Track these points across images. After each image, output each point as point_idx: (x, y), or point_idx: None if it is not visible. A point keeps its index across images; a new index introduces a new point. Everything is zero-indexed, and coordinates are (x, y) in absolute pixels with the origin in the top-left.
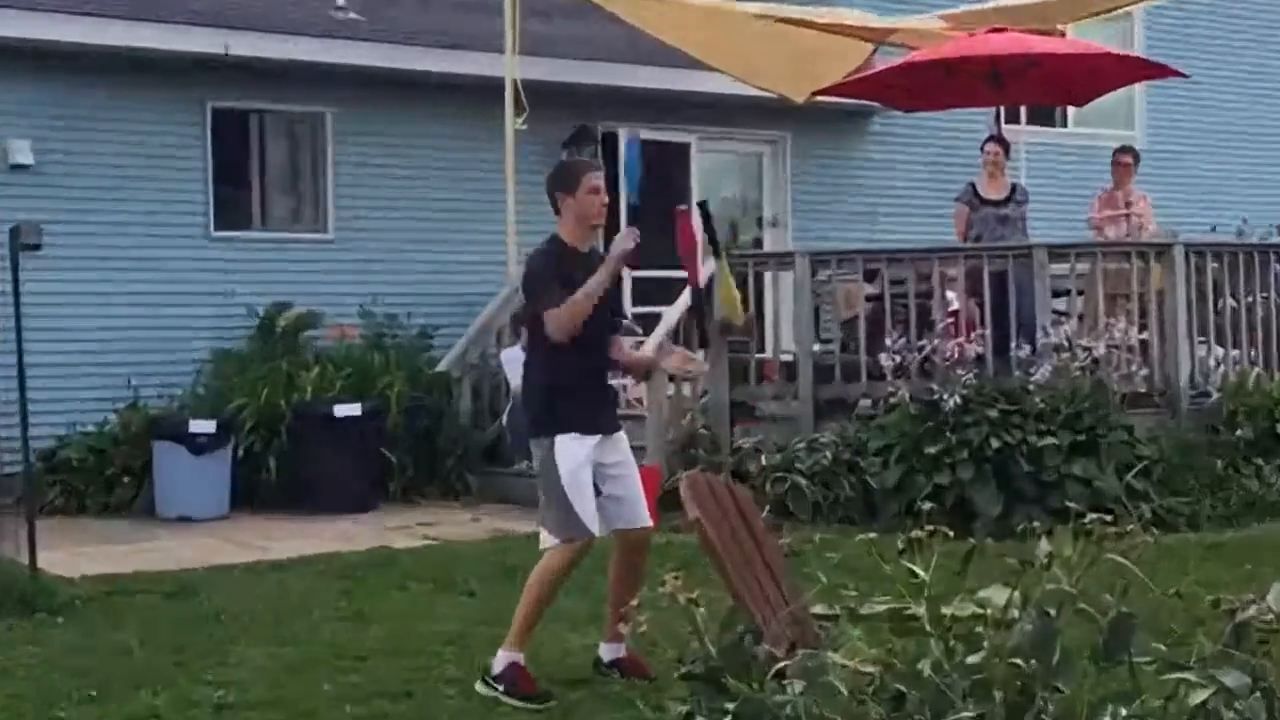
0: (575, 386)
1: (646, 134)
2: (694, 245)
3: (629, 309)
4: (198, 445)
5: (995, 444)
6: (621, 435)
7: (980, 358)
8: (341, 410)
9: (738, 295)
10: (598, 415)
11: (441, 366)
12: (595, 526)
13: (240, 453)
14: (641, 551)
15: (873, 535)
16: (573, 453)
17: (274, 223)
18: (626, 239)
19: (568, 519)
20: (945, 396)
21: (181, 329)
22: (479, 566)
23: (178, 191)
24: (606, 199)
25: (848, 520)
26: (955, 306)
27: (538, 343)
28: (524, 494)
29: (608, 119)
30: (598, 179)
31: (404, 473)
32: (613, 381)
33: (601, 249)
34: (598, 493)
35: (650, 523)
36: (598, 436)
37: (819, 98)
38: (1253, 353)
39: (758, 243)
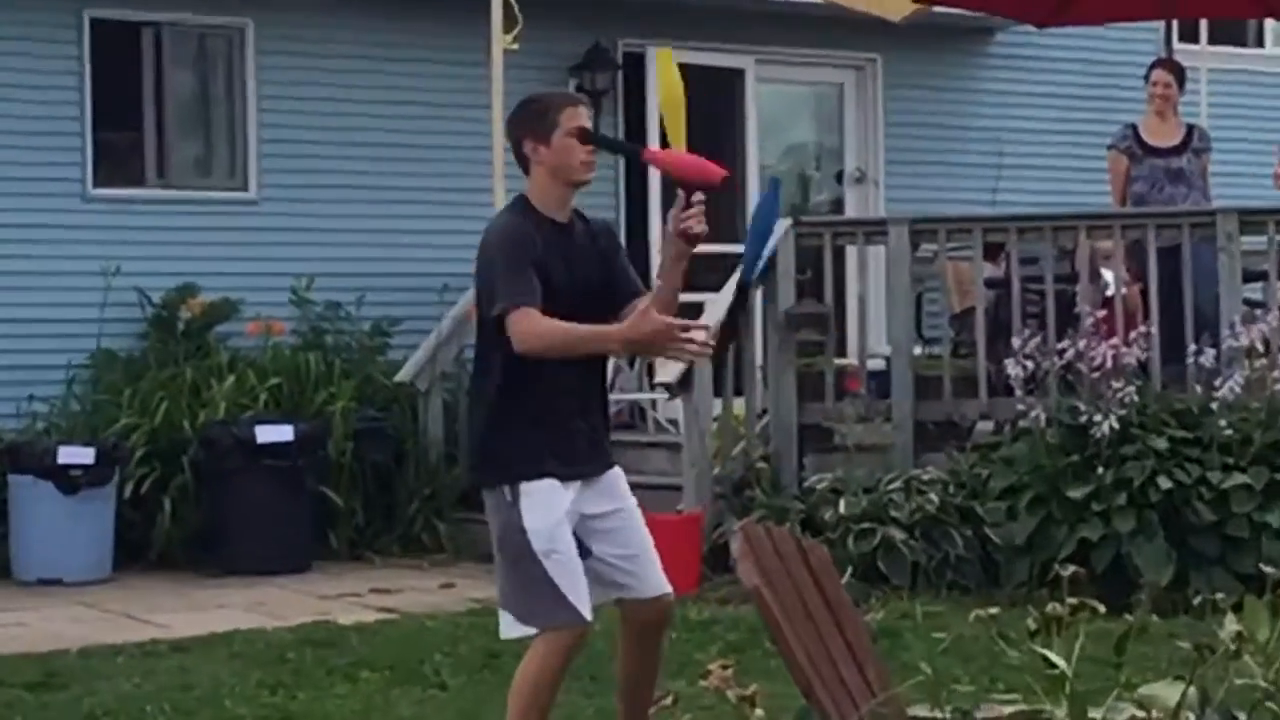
0: (546, 410)
1: (685, 56)
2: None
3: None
4: (70, 481)
5: (1165, 484)
6: (615, 474)
7: (1144, 365)
8: (266, 434)
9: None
10: (578, 451)
11: (403, 375)
12: (588, 608)
13: (128, 492)
14: (659, 630)
15: (993, 610)
16: (546, 506)
17: (175, 176)
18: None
19: (547, 602)
20: (1096, 419)
21: (48, 322)
22: (453, 649)
23: (43, 135)
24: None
25: (960, 588)
26: (1113, 292)
27: (490, 349)
28: None
29: (631, 35)
30: (583, 116)
31: (352, 520)
32: (640, 397)
33: (594, 226)
34: (585, 554)
35: (669, 589)
36: (577, 483)
37: (926, 6)
38: None
39: (838, 205)
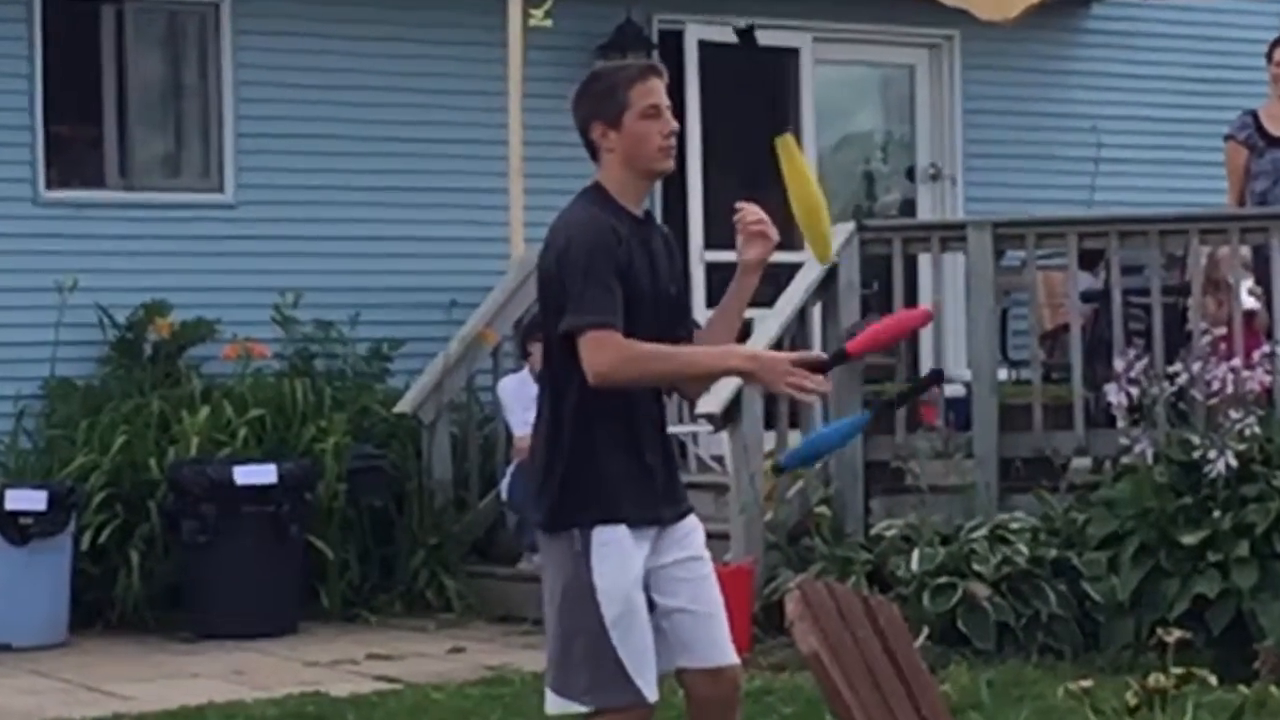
0: (625, 441)
1: (728, 34)
2: (890, 336)
3: (699, 313)
4: (20, 531)
5: None
6: (692, 522)
7: (1268, 392)
8: (246, 475)
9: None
10: (656, 490)
11: (404, 406)
12: (652, 686)
13: (86, 542)
14: (728, 709)
15: (1086, 683)
16: (621, 561)
17: (139, 177)
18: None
19: (606, 677)
20: (1212, 454)
21: None
22: None
23: None
24: (675, 125)
25: (1054, 652)
26: (1250, 305)
27: (560, 376)
28: (533, 607)
29: (666, 10)
30: (657, 91)
31: (345, 574)
32: (678, 430)
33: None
34: (649, 608)
35: (736, 660)
36: (653, 531)
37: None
38: None
39: (909, 206)
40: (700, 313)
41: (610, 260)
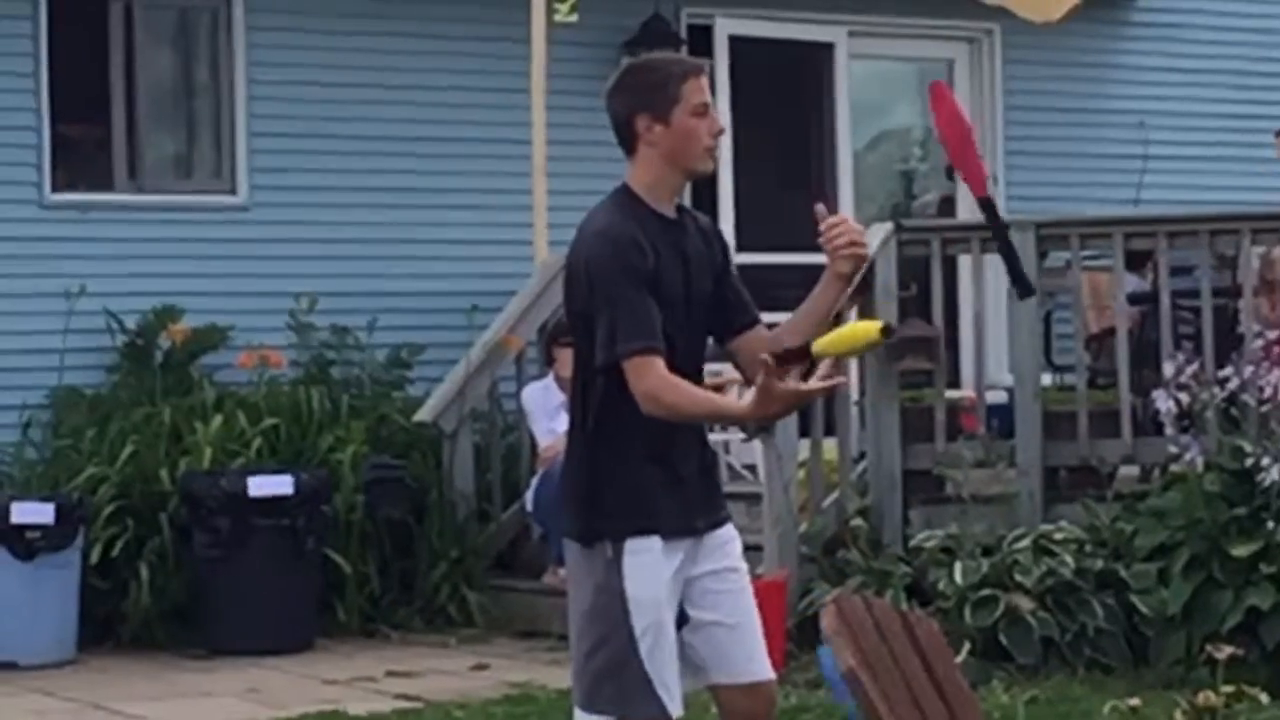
0: (659, 448)
1: (764, 28)
2: (964, 130)
3: None
4: (27, 545)
5: None
6: (729, 531)
7: None
8: (260, 486)
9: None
10: (691, 499)
11: (424, 414)
12: (677, 701)
13: (95, 556)
14: None
15: (1134, 701)
16: (653, 571)
17: (149, 179)
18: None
19: (631, 688)
20: (1265, 462)
21: (0, 354)
22: None
23: None
24: (722, 126)
25: (1101, 668)
26: None
27: (591, 385)
28: (559, 621)
29: (696, 3)
30: (706, 89)
31: (364, 588)
32: (715, 437)
33: (698, 217)
34: (681, 621)
35: (771, 675)
36: (688, 541)
37: None
38: None
39: (948, 205)
40: None
41: (637, 276)
